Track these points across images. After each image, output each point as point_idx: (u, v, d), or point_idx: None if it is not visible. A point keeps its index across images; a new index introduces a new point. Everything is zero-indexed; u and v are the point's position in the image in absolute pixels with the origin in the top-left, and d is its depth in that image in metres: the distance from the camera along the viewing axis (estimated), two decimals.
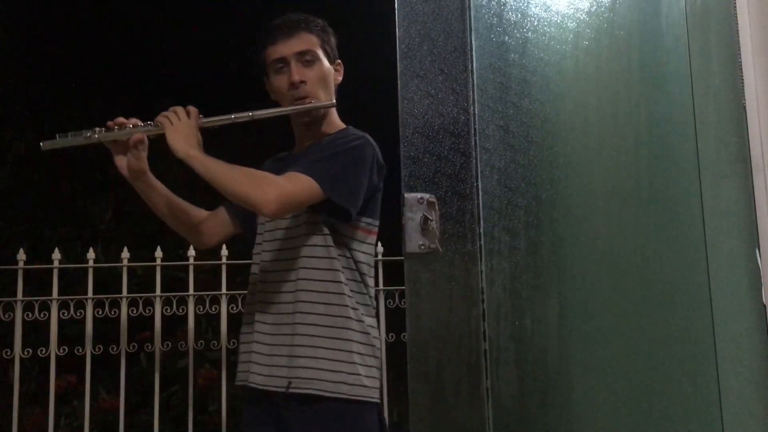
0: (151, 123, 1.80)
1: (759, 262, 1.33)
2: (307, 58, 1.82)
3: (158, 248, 2.90)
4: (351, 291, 1.75)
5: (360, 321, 1.76)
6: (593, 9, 1.43)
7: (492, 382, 1.29)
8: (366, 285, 1.80)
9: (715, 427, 1.32)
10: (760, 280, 1.33)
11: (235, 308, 2.89)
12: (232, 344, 2.89)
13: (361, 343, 1.75)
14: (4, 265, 2.90)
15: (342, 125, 1.90)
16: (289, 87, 1.82)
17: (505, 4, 1.40)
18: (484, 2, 1.39)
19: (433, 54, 1.36)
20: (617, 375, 1.36)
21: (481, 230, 1.32)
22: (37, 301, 2.79)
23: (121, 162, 1.84)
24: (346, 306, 1.74)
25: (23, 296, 2.78)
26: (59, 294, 2.81)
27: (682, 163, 1.40)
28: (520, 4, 1.41)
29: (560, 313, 1.34)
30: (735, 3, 1.39)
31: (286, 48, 1.82)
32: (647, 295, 1.38)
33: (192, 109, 1.78)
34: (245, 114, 1.81)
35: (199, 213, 1.97)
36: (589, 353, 1.36)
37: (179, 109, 1.77)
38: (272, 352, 1.76)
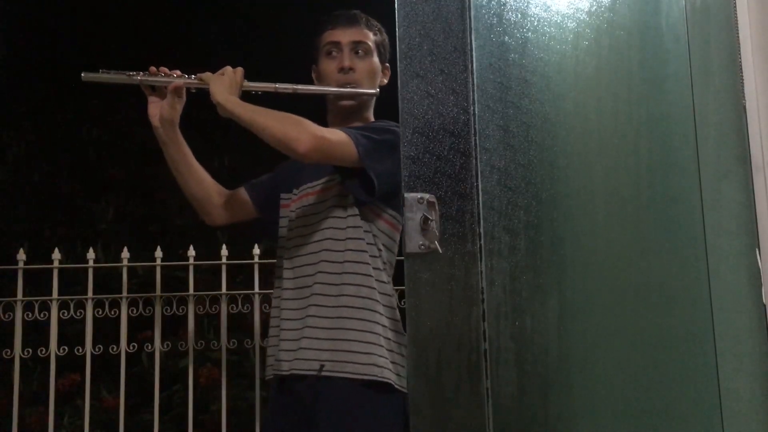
0: (195, 76, 1.85)
1: (759, 262, 1.33)
2: (360, 49, 1.88)
3: (158, 248, 2.90)
4: (377, 279, 1.77)
5: (387, 307, 1.76)
6: (593, 9, 1.43)
7: (492, 382, 1.28)
8: (388, 274, 1.81)
9: (715, 427, 1.31)
10: (760, 280, 1.33)
11: (235, 308, 2.89)
12: (232, 344, 2.90)
13: (390, 329, 1.75)
14: (4, 265, 2.89)
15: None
16: (338, 71, 1.86)
17: (505, 4, 1.40)
18: (484, 2, 1.39)
19: (433, 54, 1.36)
20: (617, 375, 1.35)
21: (481, 230, 1.32)
22: (37, 301, 2.79)
23: (154, 109, 1.88)
24: (374, 289, 1.75)
25: (23, 296, 2.78)
26: (59, 294, 2.81)
27: (682, 162, 1.39)
28: (520, 4, 1.40)
29: (560, 313, 1.34)
30: (735, 3, 1.39)
31: (344, 35, 1.88)
32: (647, 294, 1.38)
33: (240, 69, 1.82)
34: (288, 86, 1.84)
35: (217, 186, 1.99)
36: (589, 353, 1.36)
37: (228, 68, 1.83)
38: (300, 335, 1.76)
